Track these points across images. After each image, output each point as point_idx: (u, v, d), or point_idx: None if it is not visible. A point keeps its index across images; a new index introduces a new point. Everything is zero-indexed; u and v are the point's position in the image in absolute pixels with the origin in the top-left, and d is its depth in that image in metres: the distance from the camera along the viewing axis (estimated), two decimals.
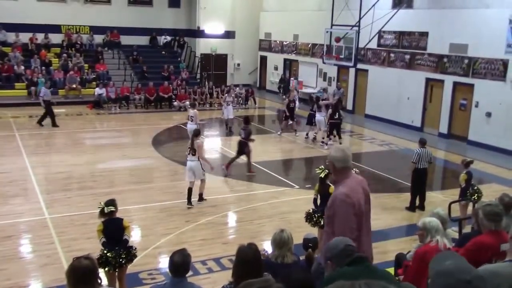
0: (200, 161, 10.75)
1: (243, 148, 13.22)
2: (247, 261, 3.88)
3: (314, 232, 7.00)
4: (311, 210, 8.32)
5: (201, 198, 10.90)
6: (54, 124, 17.93)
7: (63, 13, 25.29)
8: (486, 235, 4.31)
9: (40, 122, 17.88)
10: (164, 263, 7.69)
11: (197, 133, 11.07)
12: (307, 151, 16.19)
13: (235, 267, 4.03)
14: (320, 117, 16.57)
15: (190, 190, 10.66)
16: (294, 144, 17.24)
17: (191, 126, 14.56)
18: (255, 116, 22.98)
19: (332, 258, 3.27)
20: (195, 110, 15.38)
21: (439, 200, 11.37)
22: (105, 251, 6.44)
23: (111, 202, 6.67)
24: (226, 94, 19.88)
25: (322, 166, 8.23)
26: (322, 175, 8.11)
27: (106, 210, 6.53)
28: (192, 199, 10.64)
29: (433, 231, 4.67)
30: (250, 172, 13.19)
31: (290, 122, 18.22)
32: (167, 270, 4.56)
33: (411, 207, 10.70)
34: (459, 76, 17.67)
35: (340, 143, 15.82)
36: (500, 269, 2.77)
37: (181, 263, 4.33)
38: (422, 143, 10.84)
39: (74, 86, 22.78)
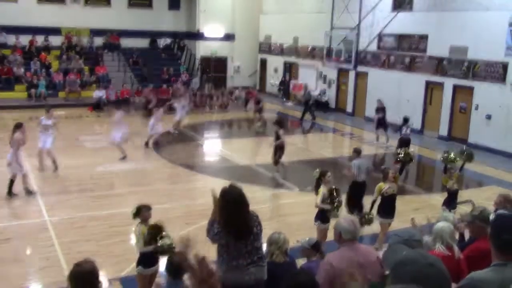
0: (15, 155, 10.65)
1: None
2: (233, 201, 4.23)
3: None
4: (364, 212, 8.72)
5: (27, 192, 10.88)
6: None
7: (63, 16, 25.32)
8: (482, 240, 4.25)
9: None
10: (164, 265, 7.66)
11: (17, 126, 11.07)
12: (306, 154, 16.18)
13: (221, 209, 4.29)
14: None
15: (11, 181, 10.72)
16: (293, 146, 17.21)
17: None
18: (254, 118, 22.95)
19: None
20: None
21: (440, 203, 11.32)
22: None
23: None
24: (44, 118, 13.49)
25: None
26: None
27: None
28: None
29: (435, 237, 4.59)
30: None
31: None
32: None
33: None
34: (459, 78, 17.68)
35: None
36: (484, 274, 2.79)
37: (179, 265, 4.37)
38: (358, 152, 10.03)
39: (74, 88, 22.79)
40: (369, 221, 8.60)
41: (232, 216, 4.26)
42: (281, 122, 14.00)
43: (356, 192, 9.60)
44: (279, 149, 13.02)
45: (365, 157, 10.26)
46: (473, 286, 2.74)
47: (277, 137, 12.99)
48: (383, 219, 8.59)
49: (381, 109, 17.36)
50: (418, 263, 2.11)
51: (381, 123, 17.19)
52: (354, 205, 9.59)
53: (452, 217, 5.44)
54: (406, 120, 14.90)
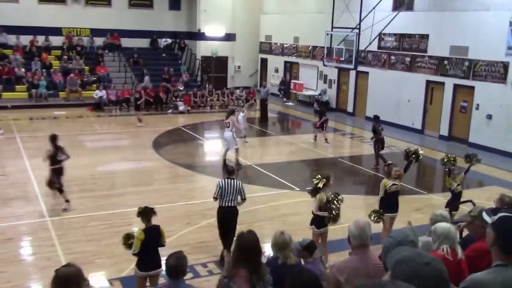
0: None
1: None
2: (247, 248, 4.31)
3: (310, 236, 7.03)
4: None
5: None
6: None
7: (63, 16, 25.35)
8: (483, 240, 4.24)
9: None
10: (164, 265, 7.66)
11: None
12: (307, 154, 16.18)
13: (234, 252, 4.43)
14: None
15: None
16: (294, 146, 17.23)
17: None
18: (256, 118, 22.97)
19: None
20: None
21: (441, 203, 11.34)
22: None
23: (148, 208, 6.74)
24: None
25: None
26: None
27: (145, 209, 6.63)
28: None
29: (441, 238, 4.53)
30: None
31: None
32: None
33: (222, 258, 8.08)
34: (459, 78, 17.68)
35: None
36: (485, 276, 2.81)
37: (176, 265, 4.43)
38: (229, 172, 8.32)
39: (74, 88, 22.80)
40: (379, 216, 8.48)
41: (241, 261, 4.33)
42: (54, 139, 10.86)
43: (221, 220, 8.10)
44: (61, 174, 10.70)
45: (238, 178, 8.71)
46: (474, 287, 2.74)
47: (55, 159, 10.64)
48: (386, 214, 8.58)
49: (318, 112, 17.20)
50: (414, 262, 2.14)
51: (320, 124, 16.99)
52: (227, 236, 7.96)
53: (446, 213, 5.46)
54: (377, 118, 14.94)
